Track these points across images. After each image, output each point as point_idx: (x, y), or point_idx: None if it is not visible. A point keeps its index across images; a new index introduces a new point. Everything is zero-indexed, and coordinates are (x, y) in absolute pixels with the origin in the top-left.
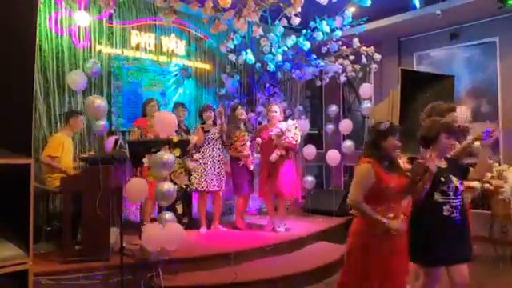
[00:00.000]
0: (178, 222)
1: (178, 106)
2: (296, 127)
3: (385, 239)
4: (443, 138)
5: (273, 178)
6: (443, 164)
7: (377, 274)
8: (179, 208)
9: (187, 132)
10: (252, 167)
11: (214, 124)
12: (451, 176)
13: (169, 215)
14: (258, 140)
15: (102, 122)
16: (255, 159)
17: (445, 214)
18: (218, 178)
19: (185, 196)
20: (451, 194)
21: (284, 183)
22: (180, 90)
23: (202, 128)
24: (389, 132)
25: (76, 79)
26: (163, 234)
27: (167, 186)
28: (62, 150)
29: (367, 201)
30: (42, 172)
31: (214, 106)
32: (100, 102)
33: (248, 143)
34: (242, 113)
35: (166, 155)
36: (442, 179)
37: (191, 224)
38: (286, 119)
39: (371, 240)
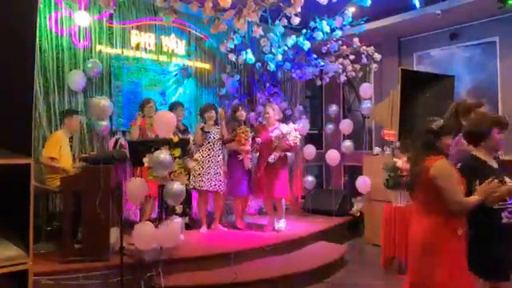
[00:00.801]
0: None
1: (177, 105)
2: (296, 129)
3: (455, 239)
4: (495, 132)
5: (267, 180)
6: (495, 163)
7: (449, 275)
8: (178, 208)
9: (185, 132)
10: (250, 165)
11: (216, 124)
12: (505, 177)
13: (177, 220)
14: (258, 140)
15: (105, 123)
16: (253, 158)
17: (504, 221)
18: (217, 178)
19: (185, 196)
20: (507, 197)
21: (277, 185)
22: (180, 90)
23: (202, 129)
24: (442, 132)
25: (76, 79)
26: (157, 232)
27: (176, 185)
28: (60, 150)
29: (438, 203)
30: (42, 172)
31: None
32: (105, 102)
33: (250, 140)
34: (242, 114)
35: (162, 154)
36: (497, 182)
37: (192, 224)
38: (285, 119)
39: (442, 239)
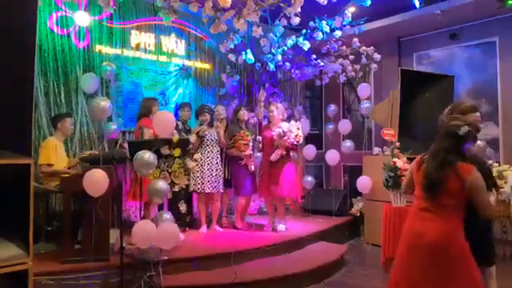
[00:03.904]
0: (181, 222)
1: (184, 106)
2: (298, 128)
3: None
4: None
5: (273, 179)
6: None
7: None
8: (182, 208)
9: (189, 132)
10: (252, 168)
11: (211, 125)
12: None
13: (165, 215)
14: (259, 138)
15: (114, 126)
16: (256, 158)
17: None
18: (216, 179)
19: (186, 196)
20: None
21: (283, 184)
22: (180, 90)
23: (197, 133)
24: (467, 137)
25: (90, 81)
26: (156, 232)
27: (160, 183)
28: (56, 155)
29: (461, 207)
30: (40, 176)
31: (212, 106)
32: (105, 103)
33: (251, 144)
34: (244, 114)
35: (147, 154)
36: None
37: (192, 224)
38: (288, 119)
39: (464, 240)
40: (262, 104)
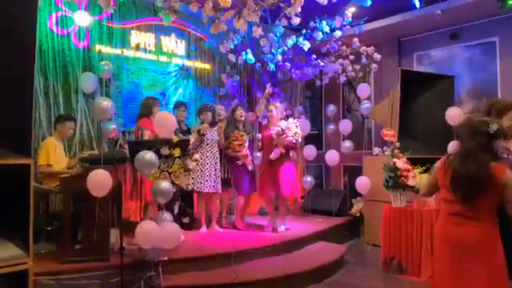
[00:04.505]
0: (175, 222)
1: (180, 105)
2: (297, 126)
3: None
4: None
5: (273, 178)
6: None
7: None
8: (176, 208)
9: (187, 132)
10: (250, 167)
11: (213, 124)
12: None
13: (166, 215)
14: (258, 136)
15: (114, 126)
16: (255, 158)
17: None
18: (215, 179)
19: (186, 196)
20: None
21: (284, 183)
22: (180, 90)
23: (198, 132)
24: (498, 135)
25: (88, 81)
26: (158, 232)
27: (164, 183)
28: (55, 155)
29: (495, 207)
30: (39, 176)
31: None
32: (107, 104)
33: (246, 144)
34: (241, 113)
35: (148, 154)
36: None
37: (192, 224)
38: (287, 118)
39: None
40: (264, 101)
